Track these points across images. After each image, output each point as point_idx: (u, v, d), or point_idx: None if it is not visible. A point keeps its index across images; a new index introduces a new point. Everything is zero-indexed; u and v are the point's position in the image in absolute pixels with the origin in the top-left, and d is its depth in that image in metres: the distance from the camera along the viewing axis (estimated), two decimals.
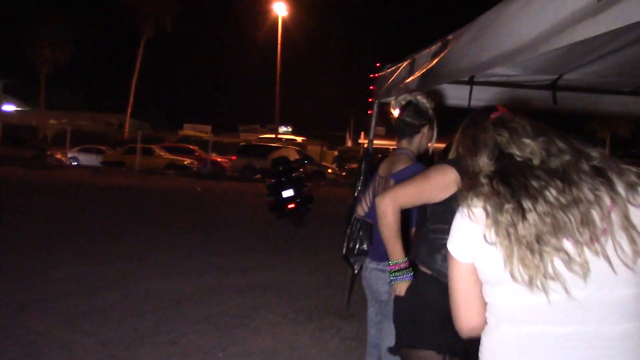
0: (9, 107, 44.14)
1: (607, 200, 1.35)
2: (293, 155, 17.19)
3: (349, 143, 56.74)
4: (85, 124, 39.71)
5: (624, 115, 5.67)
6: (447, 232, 2.39)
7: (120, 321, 4.93)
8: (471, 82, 4.77)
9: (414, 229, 2.90)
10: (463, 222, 1.52)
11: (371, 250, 3.20)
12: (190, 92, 67.38)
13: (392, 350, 2.61)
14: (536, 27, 2.10)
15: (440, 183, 2.30)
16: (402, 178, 2.89)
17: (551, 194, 1.36)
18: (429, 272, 2.42)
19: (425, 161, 3.11)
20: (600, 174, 1.39)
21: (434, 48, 3.50)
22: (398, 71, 4.38)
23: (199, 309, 5.42)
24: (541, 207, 1.36)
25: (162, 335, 4.68)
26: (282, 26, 35.09)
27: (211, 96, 67.57)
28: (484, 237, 1.43)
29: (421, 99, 3.12)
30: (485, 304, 1.54)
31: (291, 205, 11.07)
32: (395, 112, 3.12)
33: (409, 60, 4.15)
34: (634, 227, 1.33)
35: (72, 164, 27.81)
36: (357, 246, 5.23)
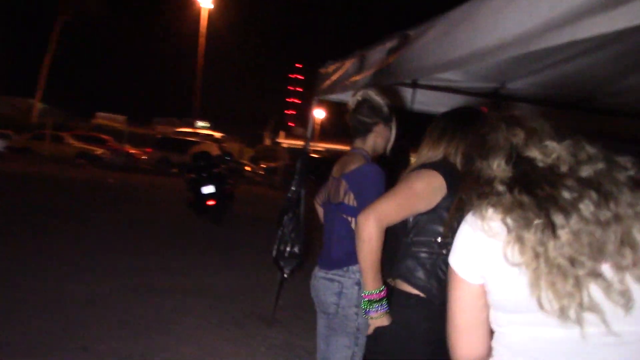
0: None
1: None
2: (215, 151, 16.68)
3: (267, 142, 56.47)
4: None
5: None
6: (431, 245, 2.18)
7: (24, 324, 4.41)
8: (414, 85, 4.65)
9: None
10: (474, 236, 1.30)
11: (320, 256, 2.95)
12: (105, 80, 64.52)
13: None
14: (525, 22, 1.94)
15: (426, 191, 2.07)
16: (354, 178, 2.72)
17: (587, 208, 1.16)
18: (412, 291, 2.17)
19: (384, 163, 2.91)
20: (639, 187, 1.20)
21: (389, 44, 3.30)
22: (344, 67, 4.17)
23: (114, 312, 4.97)
24: (575, 223, 1.15)
25: (72, 340, 4.22)
26: (206, 20, 34.27)
27: (126, 86, 65.11)
28: (505, 256, 1.21)
29: (374, 96, 2.92)
30: (490, 331, 1.33)
31: (211, 202, 10.65)
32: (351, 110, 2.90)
33: (356, 57, 3.95)
34: None
35: None
36: (289, 249, 4.99)
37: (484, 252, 1.27)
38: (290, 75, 74.20)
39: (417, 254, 2.14)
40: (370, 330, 2.21)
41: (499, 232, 1.23)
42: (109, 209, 11.20)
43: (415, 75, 2.94)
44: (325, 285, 2.81)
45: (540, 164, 1.25)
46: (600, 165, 1.22)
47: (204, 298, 5.73)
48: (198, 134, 34.88)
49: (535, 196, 1.20)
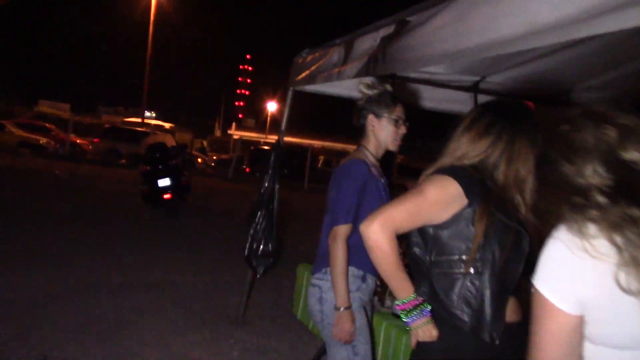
0: None
1: None
2: (170, 142, 16.19)
3: (218, 133, 55.69)
4: None
5: None
6: (456, 264, 1.89)
7: None
8: (393, 77, 4.47)
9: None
10: (574, 257, 1.09)
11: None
12: (48, 67, 61.90)
13: None
14: (560, 9, 1.77)
15: (440, 199, 1.82)
16: (335, 175, 2.63)
17: None
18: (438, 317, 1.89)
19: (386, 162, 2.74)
20: None
21: (382, 31, 3.10)
22: (327, 56, 3.95)
23: (70, 314, 4.60)
24: None
25: (26, 347, 3.87)
26: (155, 7, 33.26)
27: (70, 73, 62.75)
28: (617, 281, 1.02)
29: (362, 88, 2.75)
30: None
31: (167, 196, 10.27)
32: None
33: (342, 45, 3.73)
34: None
35: None
36: (261, 247, 4.77)
37: (588, 277, 1.08)
38: (240, 67, 73.34)
39: (441, 276, 1.89)
40: (413, 344, 1.94)
41: (607, 252, 1.04)
42: (56, 202, 10.61)
43: (417, 65, 2.73)
44: (310, 292, 2.64)
45: None
46: None
47: (166, 297, 5.41)
48: (148, 124, 34.00)
49: None
